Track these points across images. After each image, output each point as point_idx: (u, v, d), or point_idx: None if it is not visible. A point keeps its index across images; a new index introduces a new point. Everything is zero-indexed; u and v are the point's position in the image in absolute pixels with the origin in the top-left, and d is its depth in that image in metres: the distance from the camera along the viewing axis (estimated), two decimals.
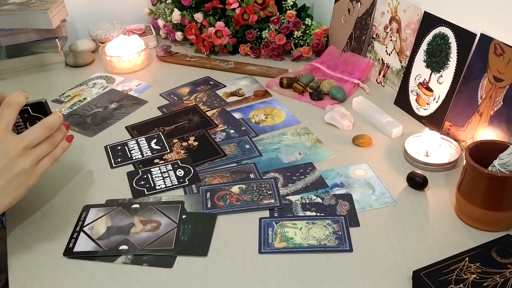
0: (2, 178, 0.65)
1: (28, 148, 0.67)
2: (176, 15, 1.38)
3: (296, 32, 1.33)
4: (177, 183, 0.86)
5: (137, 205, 0.81)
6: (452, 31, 0.94)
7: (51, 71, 1.31)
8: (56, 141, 0.71)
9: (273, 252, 0.71)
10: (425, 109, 1.01)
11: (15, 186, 0.67)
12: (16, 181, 0.66)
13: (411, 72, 1.05)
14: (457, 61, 0.93)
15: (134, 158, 0.93)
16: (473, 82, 0.90)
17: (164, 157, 0.93)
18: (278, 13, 1.33)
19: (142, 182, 0.86)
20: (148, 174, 0.88)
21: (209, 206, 0.80)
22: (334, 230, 0.74)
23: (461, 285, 0.62)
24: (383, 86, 1.16)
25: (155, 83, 1.23)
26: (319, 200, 0.81)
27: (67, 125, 0.75)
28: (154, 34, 1.47)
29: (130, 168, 0.91)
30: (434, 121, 0.99)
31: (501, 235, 0.71)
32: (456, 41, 0.93)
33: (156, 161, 0.92)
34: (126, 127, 1.04)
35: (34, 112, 0.72)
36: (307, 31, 1.34)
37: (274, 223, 0.76)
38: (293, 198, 0.82)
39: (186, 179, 0.86)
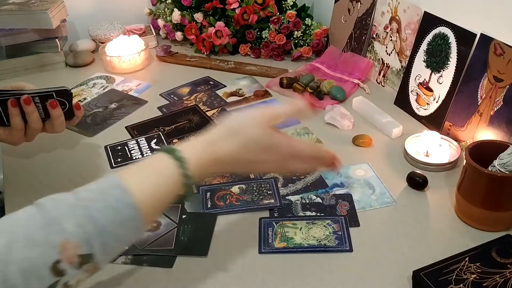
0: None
1: None
2: (176, 15, 1.38)
3: (296, 32, 1.33)
4: None
5: None
6: (452, 31, 0.94)
7: (51, 71, 1.31)
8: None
9: (273, 252, 0.71)
10: (425, 109, 1.01)
11: None
12: None
13: (411, 72, 1.05)
14: (457, 61, 0.93)
15: (134, 158, 0.93)
16: (473, 82, 0.90)
17: None
18: (278, 13, 1.33)
19: None
20: None
21: (209, 206, 0.80)
22: (334, 230, 0.74)
23: (461, 285, 0.62)
24: (383, 86, 1.16)
25: (155, 83, 1.23)
26: (319, 200, 0.81)
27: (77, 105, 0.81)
28: (154, 34, 1.47)
29: None
30: (434, 121, 0.98)
31: (501, 235, 0.71)
32: (456, 41, 0.93)
33: None
34: (126, 127, 1.04)
35: (58, 97, 0.78)
36: (307, 31, 1.34)
37: (274, 223, 0.76)
38: (293, 198, 0.81)
39: None
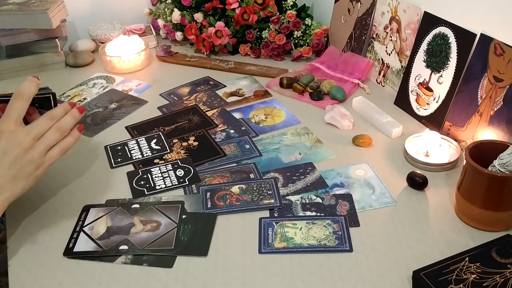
0: (13, 168, 0.68)
1: (37, 138, 0.69)
2: (176, 15, 1.38)
3: (296, 32, 1.33)
4: (177, 183, 0.86)
5: (137, 205, 0.81)
6: (452, 31, 0.94)
7: (51, 71, 1.31)
8: (64, 127, 0.72)
9: (273, 252, 0.71)
10: (425, 109, 1.01)
11: (25, 176, 0.69)
12: (26, 172, 0.69)
13: (411, 72, 1.05)
14: (457, 61, 0.93)
15: (134, 158, 0.93)
16: (473, 82, 0.90)
17: (164, 157, 0.93)
18: (278, 13, 1.33)
19: (142, 182, 0.86)
20: (148, 174, 0.88)
21: (209, 206, 0.80)
22: (334, 230, 0.74)
23: (461, 285, 0.62)
24: (383, 86, 1.16)
25: (155, 83, 1.23)
26: (319, 200, 0.81)
27: (81, 109, 0.74)
28: (154, 34, 1.47)
29: (130, 168, 0.91)
30: (434, 121, 0.99)
31: (501, 235, 0.71)
32: (456, 41, 0.93)
33: (156, 161, 0.92)
34: (126, 127, 1.04)
35: (39, 108, 0.73)
36: (307, 31, 1.34)
37: (274, 223, 0.76)
38: (293, 198, 0.81)
39: (186, 179, 0.86)
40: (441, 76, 0.97)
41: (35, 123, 0.70)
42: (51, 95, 0.74)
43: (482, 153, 0.74)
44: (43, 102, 0.73)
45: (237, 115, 1.07)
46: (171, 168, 0.89)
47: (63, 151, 0.72)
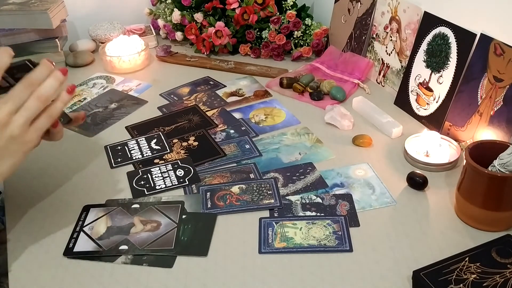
0: None
1: (14, 112, 0.61)
2: (176, 15, 1.38)
3: (296, 32, 1.33)
4: (177, 183, 0.86)
5: (137, 205, 0.81)
6: (452, 31, 0.94)
7: None
8: (46, 94, 0.63)
9: (273, 252, 0.71)
10: (425, 109, 1.01)
11: (9, 154, 0.62)
12: (9, 150, 0.62)
13: (411, 72, 1.05)
14: (457, 61, 0.93)
15: (134, 158, 0.93)
16: (473, 82, 0.90)
17: (164, 157, 0.93)
18: (278, 13, 1.33)
19: (142, 182, 0.86)
20: (148, 174, 0.88)
21: (209, 206, 0.80)
22: (334, 230, 0.74)
23: (461, 285, 0.62)
24: (383, 86, 1.16)
25: (155, 83, 1.23)
26: (319, 200, 0.81)
27: (64, 70, 0.66)
28: (154, 34, 1.47)
29: (130, 168, 0.91)
30: (434, 121, 0.99)
31: (501, 235, 0.71)
32: (456, 41, 0.93)
33: (156, 161, 0.92)
34: (126, 127, 1.04)
35: (18, 72, 0.66)
36: (307, 31, 1.34)
37: (274, 223, 0.76)
38: (293, 198, 0.81)
39: (186, 179, 0.86)
40: (441, 76, 0.97)
41: (10, 94, 0.61)
42: (26, 61, 0.66)
43: (482, 153, 0.74)
44: (21, 70, 0.65)
45: (237, 115, 1.07)
46: (171, 168, 0.89)
47: (52, 118, 0.64)
